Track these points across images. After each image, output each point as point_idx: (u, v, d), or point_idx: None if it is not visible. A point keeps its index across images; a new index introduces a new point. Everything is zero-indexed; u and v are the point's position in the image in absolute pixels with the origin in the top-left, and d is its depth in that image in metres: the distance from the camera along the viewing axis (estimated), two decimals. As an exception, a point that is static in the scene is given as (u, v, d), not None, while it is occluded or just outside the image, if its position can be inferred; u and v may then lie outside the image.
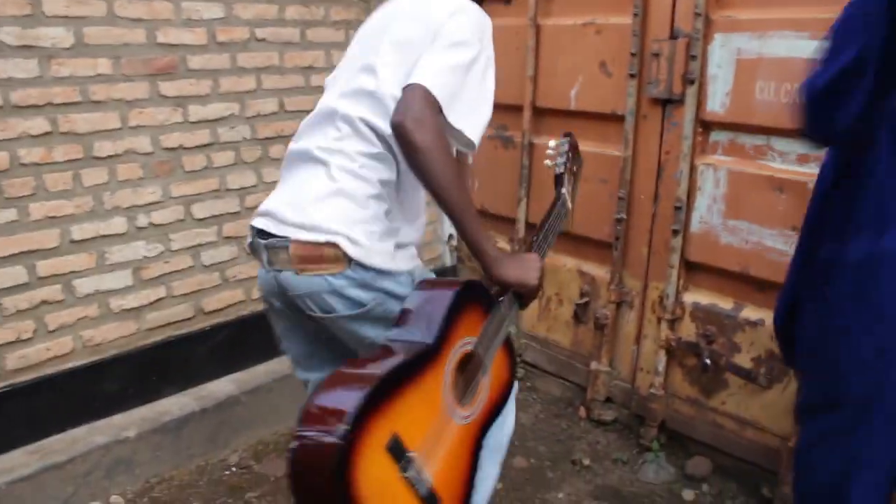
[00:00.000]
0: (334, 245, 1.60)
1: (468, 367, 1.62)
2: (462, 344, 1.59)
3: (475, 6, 1.77)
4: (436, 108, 1.56)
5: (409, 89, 1.57)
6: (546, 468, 2.95)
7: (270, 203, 1.76)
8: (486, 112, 1.71)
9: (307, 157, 1.73)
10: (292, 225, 1.65)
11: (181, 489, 2.80)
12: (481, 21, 1.75)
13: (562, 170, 2.00)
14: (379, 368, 1.48)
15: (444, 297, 1.60)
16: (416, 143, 1.51)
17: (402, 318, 1.64)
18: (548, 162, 2.06)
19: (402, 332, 1.60)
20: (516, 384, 1.89)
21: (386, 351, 1.57)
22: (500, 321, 1.67)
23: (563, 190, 1.98)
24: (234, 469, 2.94)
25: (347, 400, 1.38)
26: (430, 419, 1.53)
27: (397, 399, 1.45)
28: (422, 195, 1.80)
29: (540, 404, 3.39)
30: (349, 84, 1.76)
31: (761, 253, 2.62)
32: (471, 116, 1.65)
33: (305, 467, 1.40)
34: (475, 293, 1.66)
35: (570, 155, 2.08)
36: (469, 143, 1.67)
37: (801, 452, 1.87)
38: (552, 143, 2.06)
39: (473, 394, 1.63)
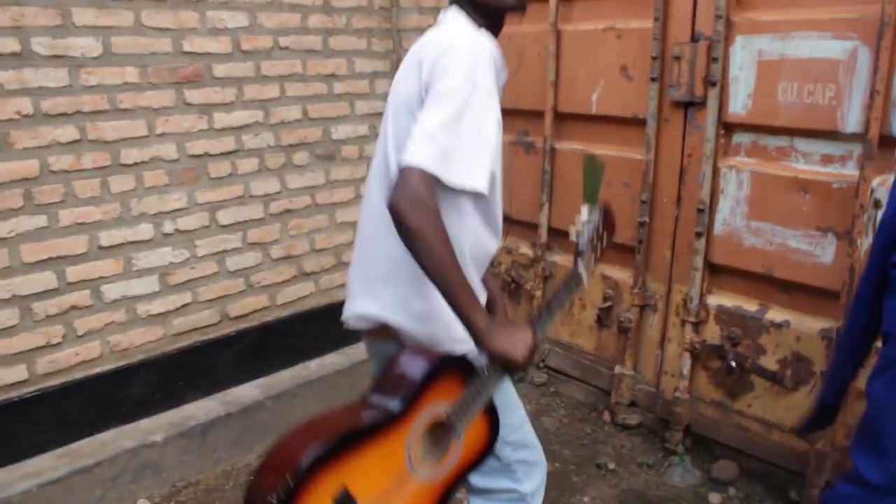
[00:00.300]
0: None
1: (438, 430, 1.66)
2: (432, 409, 1.63)
3: (467, 36, 1.66)
4: (430, 182, 1.53)
5: (404, 169, 1.54)
6: (571, 472, 2.94)
7: None
8: (488, 155, 1.63)
9: None
10: None
11: (207, 493, 2.82)
12: (474, 54, 1.63)
13: (583, 248, 1.87)
14: (339, 426, 1.55)
15: (422, 366, 1.64)
16: (410, 227, 1.51)
17: (381, 379, 1.69)
18: (571, 232, 1.89)
19: (375, 395, 1.67)
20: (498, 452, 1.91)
21: (355, 408, 1.65)
22: (479, 390, 1.68)
23: (580, 269, 1.86)
24: (259, 473, 2.95)
25: (300, 453, 1.48)
26: (387, 476, 1.59)
27: (353, 456, 1.53)
28: None
29: (564, 409, 3.39)
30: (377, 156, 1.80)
31: (785, 254, 2.61)
32: (471, 169, 1.60)
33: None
34: (456, 362, 1.68)
35: (600, 229, 1.91)
36: (476, 191, 1.62)
37: None
38: (583, 212, 1.89)
39: (441, 455, 1.67)
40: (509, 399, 1.89)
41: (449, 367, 1.67)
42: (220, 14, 2.89)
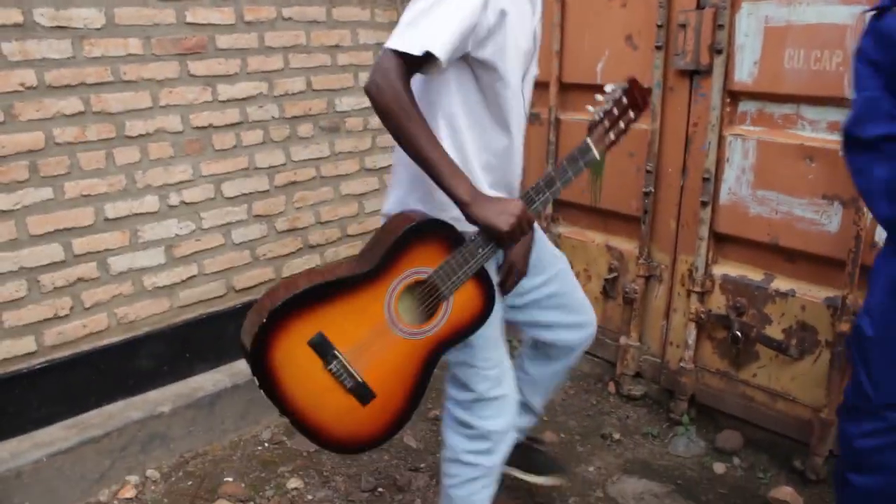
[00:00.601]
0: None
1: (423, 291, 1.78)
2: (412, 272, 1.76)
3: None
4: (398, 62, 1.60)
5: (380, 55, 1.64)
6: (576, 443, 2.96)
7: None
8: (456, 27, 1.60)
9: None
10: None
11: (215, 464, 2.85)
12: None
13: (599, 117, 1.83)
14: (316, 278, 1.74)
15: (397, 229, 1.76)
16: (378, 107, 1.63)
17: (369, 241, 1.88)
18: (589, 107, 1.86)
19: (361, 254, 1.87)
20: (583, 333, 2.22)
21: (339, 265, 1.94)
22: (467, 257, 1.75)
23: (589, 139, 1.82)
24: (266, 444, 2.98)
25: (278, 298, 1.70)
26: (365, 328, 1.76)
27: (329, 306, 1.73)
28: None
29: (569, 380, 3.39)
30: None
31: (791, 223, 2.60)
32: (427, 35, 1.59)
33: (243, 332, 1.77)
34: (438, 229, 1.76)
35: (624, 101, 1.85)
36: (431, 54, 1.58)
37: (874, 451, 1.84)
38: (608, 87, 1.86)
39: (427, 315, 1.80)
40: (493, 335, 1.98)
41: (436, 233, 1.76)
42: (222, -16, 2.88)
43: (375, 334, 1.77)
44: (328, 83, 3.27)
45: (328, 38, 3.25)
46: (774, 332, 2.71)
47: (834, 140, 2.47)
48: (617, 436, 2.98)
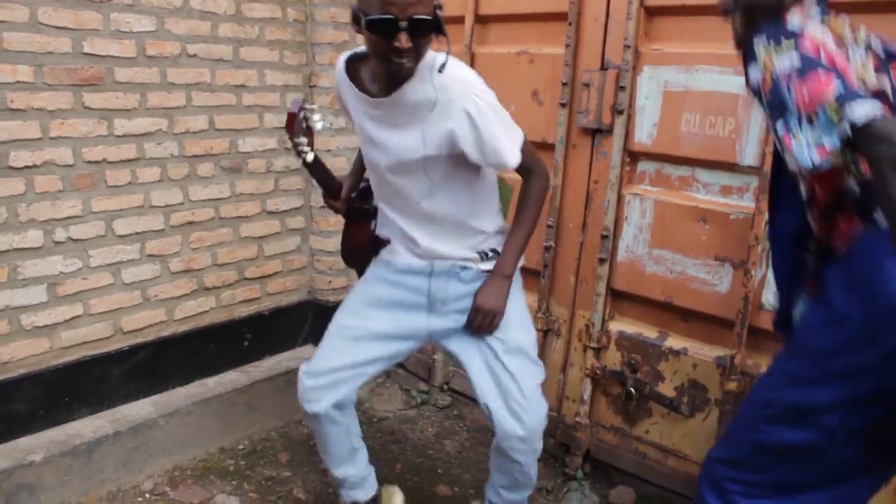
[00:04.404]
0: None
1: None
2: None
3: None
4: None
5: None
6: (469, 497, 2.91)
7: None
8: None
9: None
10: None
11: (90, 516, 2.69)
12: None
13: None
14: None
15: None
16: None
17: None
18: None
19: None
20: None
21: None
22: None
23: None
24: (147, 495, 2.83)
25: None
26: None
27: None
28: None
29: (466, 432, 3.36)
30: None
31: (685, 283, 2.66)
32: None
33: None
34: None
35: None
36: None
37: None
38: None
39: None
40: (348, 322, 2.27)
41: None
42: (125, 16, 2.79)
43: None
44: (232, 123, 3.20)
45: (234, 77, 3.19)
46: (667, 389, 2.74)
47: (726, 203, 2.55)
48: (512, 491, 2.94)
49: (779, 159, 1.69)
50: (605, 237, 2.81)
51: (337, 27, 3.41)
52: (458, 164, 2.02)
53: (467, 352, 2.22)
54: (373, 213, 2.36)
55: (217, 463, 3.05)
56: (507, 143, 1.98)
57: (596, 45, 2.80)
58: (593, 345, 2.89)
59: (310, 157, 2.12)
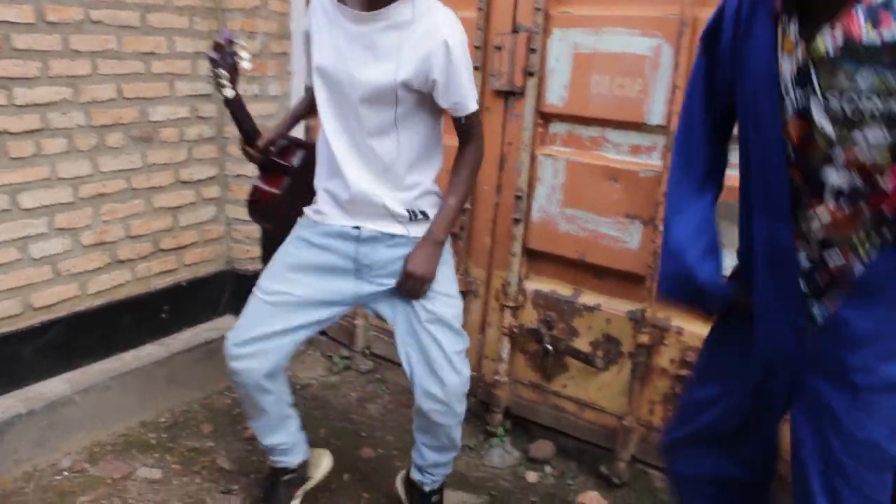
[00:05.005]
0: None
1: None
2: None
3: None
4: None
5: None
6: (394, 457, 2.96)
7: None
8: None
9: None
10: None
11: (4, 498, 2.62)
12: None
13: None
14: None
15: None
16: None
17: None
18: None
19: None
20: None
21: None
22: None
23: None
24: (66, 473, 2.78)
25: None
26: None
27: None
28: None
29: (389, 395, 3.40)
30: None
31: (597, 240, 2.74)
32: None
33: None
34: None
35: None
36: None
37: None
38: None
39: None
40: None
41: None
42: (21, -19, 2.69)
43: None
44: (141, 91, 3.12)
45: (142, 44, 3.10)
46: (582, 344, 2.83)
47: (635, 162, 2.63)
48: (435, 450, 3.00)
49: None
50: (518, 198, 2.86)
51: (247, -8, 3.35)
52: (422, 102, 2.05)
53: (393, 314, 2.25)
54: (290, 171, 2.35)
55: (138, 437, 3.01)
56: (470, 88, 2.06)
57: (507, 9, 2.83)
58: (510, 304, 2.96)
59: (230, 92, 2.11)
